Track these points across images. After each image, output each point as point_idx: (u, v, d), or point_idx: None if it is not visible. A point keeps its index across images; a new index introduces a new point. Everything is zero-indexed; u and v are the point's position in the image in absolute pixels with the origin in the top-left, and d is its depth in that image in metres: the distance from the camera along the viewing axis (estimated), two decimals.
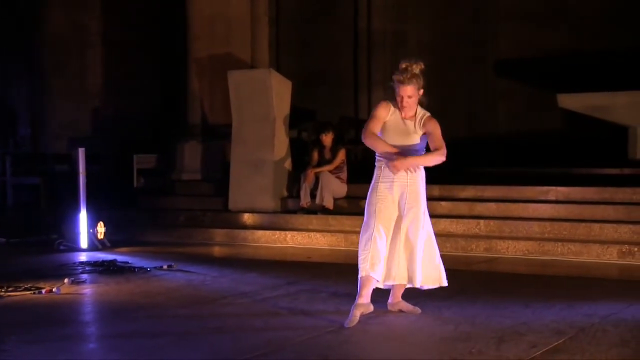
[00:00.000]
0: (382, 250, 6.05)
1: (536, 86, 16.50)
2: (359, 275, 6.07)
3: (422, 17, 16.45)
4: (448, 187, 11.55)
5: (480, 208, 10.92)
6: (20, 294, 7.37)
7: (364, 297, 6.05)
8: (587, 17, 16.36)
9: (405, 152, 6.10)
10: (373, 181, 6.23)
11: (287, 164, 12.37)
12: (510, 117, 17.37)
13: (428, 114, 6.22)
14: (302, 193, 11.62)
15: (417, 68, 6.13)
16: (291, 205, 12.07)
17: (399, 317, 6.25)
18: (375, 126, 6.14)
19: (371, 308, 6.13)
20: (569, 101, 13.37)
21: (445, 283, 6.35)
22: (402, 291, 6.38)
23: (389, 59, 15.83)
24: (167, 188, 14.14)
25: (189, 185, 13.67)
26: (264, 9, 14.47)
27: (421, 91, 6.17)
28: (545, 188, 10.99)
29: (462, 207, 11.03)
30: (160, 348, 5.51)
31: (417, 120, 6.18)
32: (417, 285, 6.20)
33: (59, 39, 17.08)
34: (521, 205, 10.77)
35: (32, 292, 7.44)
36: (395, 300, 6.39)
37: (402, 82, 6.10)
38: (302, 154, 12.95)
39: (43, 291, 7.43)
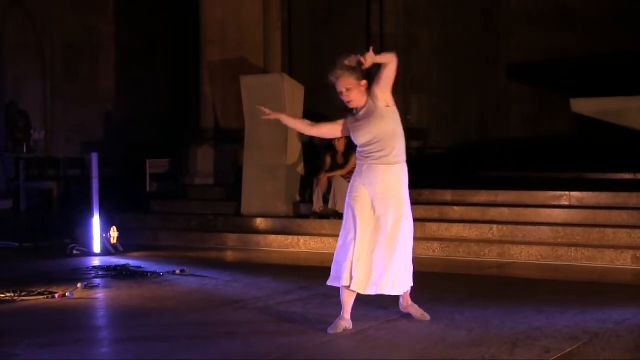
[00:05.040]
0: (362, 258, 5.84)
1: (549, 90, 16.49)
2: (340, 284, 5.89)
3: (434, 21, 16.45)
4: (461, 192, 11.53)
5: (493, 213, 10.88)
6: (33, 299, 7.38)
7: (349, 312, 5.93)
8: (598, 19, 16.36)
9: (385, 140, 5.87)
10: (352, 182, 6.05)
11: (300, 169, 12.36)
12: (523, 121, 17.38)
13: None
14: (314, 198, 11.61)
15: (349, 62, 5.90)
16: (304, 209, 12.07)
17: (411, 322, 6.23)
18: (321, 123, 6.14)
19: (351, 325, 5.92)
20: (582, 106, 13.31)
21: (411, 284, 6.14)
22: (409, 292, 6.27)
23: (402, 63, 15.77)
24: (180, 192, 14.16)
25: (201, 190, 13.68)
26: (277, 13, 14.48)
27: (364, 82, 5.89)
28: (558, 193, 10.96)
29: (475, 212, 11.00)
30: (171, 352, 5.51)
31: (371, 100, 5.92)
32: (394, 294, 6.05)
33: (71, 43, 17.15)
34: (534, 210, 10.74)
35: (45, 296, 7.44)
36: (406, 303, 6.31)
37: (335, 77, 5.90)
38: (314, 159, 12.95)
39: (56, 296, 7.44)
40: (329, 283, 6.03)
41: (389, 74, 5.88)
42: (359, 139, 5.96)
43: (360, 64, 5.87)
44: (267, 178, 12.14)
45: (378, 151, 5.90)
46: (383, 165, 5.91)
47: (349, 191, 6.06)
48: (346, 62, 5.93)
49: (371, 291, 5.93)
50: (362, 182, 5.96)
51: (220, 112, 13.96)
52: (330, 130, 6.23)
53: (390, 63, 5.87)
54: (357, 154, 6.07)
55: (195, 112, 14.67)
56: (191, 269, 9.09)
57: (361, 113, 5.95)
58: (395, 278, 5.93)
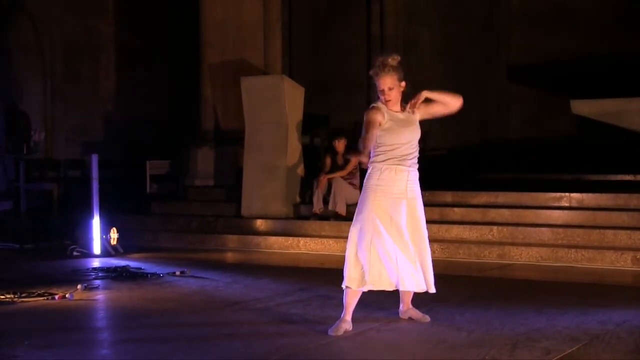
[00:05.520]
0: (384, 261, 5.89)
1: (549, 90, 16.49)
2: (354, 286, 5.88)
3: (434, 23, 16.46)
4: (461, 194, 11.53)
5: (493, 214, 10.88)
6: (33, 300, 7.38)
7: (350, 314, 5.95)
8: (598, 20, 16.36)
9: (415, 146, 5.96)
10: (369, 183, 5.93)
11: (300, 170, 12.36)
12: (523, 122, 17.39)
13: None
14: (314, 199, 11.61)
15: (393, 61, 5.93)
16: (304, 211, 12.07)
17: (411, 323, 6.23)
18: (375, 134, 5.86)
19: (351, 327, 5.94)
20: (582, 107, 13.32)
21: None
22: (410, 297, 6.30)
23: (403, 63, 15.79)
24: (180, 194, 14.17)
25: (201, 191, 13.67)
26: (277, 14, 14.47)
27: (403, 83, 5.96)
28: (558, 194, 10.95)
29: (475, 214, 11.00)
30: (171, 353, 5.51)
31: (409, 110, 5.99)
32: (432, 291, 6.12)
33: (72, 43, 17.14)
34: (534, 211, 10.74)
35: (45, 298, 7.44)
36: (406, 307, 6.31)
37: (378, 75, 5.90)
38: (314, 160, 12.96)
39: (56, 297, 7.44)
40: (349, 285, 5.91)
41: (438, 115, 6.10)
42: (394, 139, 5.90)
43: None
44: (267, 179, 12.14)
45: (408, 154, 5.93)
46: (409, 168, 5.95)
47: (366, 195, 5.94)
48: (389, 61, 5.95)
49: (408, 288, 6.04)
50: (384, 183, 5.89)
51: (220, 113, 13.96)
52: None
53: (447, 105, 6.15)
54: (374, 155, 5.94)
55: (195, 113, 14.67)
56: (191, 270, 9.08)
57: (401, 116, 5.97)
58: (431, 273, 6.07)
